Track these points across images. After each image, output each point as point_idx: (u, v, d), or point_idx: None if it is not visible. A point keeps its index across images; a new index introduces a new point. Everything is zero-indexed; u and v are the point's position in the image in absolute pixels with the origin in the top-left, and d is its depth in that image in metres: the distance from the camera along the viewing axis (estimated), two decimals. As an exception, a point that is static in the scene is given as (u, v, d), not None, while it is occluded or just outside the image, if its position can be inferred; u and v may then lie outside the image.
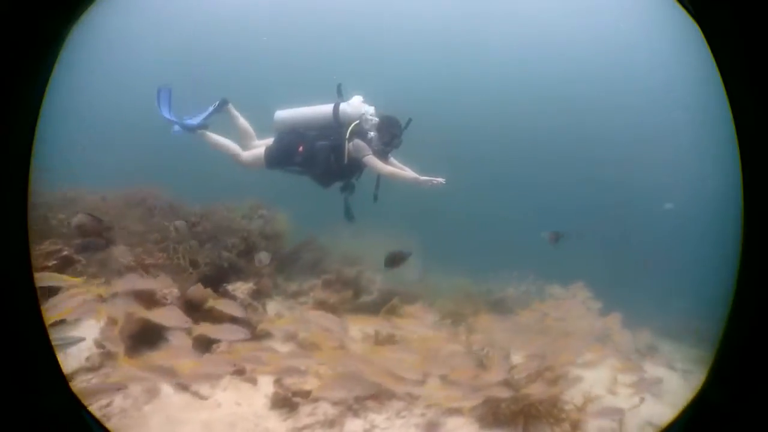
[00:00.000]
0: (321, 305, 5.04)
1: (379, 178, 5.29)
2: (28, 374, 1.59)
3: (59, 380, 1.74)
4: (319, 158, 5.25)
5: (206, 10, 15.25)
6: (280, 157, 5.38)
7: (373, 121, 5.27)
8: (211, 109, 5.61)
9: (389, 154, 5.38)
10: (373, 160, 5.12)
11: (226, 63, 13.87)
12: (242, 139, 5.67)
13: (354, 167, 5.31)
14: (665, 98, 15.74)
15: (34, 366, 1.62)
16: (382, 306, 5.30)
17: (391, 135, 5.23)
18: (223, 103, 5.67)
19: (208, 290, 4.36)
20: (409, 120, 5.26)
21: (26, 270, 1.63)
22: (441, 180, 4.87)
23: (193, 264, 4.84)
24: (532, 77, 17.73)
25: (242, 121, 5.72)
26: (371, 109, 5.38)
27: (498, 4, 17.79)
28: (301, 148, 5.28)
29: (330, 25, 16.29)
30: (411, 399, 3.72)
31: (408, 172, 5.22)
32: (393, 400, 3.70)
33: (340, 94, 5.44)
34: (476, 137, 16.38)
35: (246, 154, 5.52)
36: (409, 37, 18.00)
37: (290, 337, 4.51)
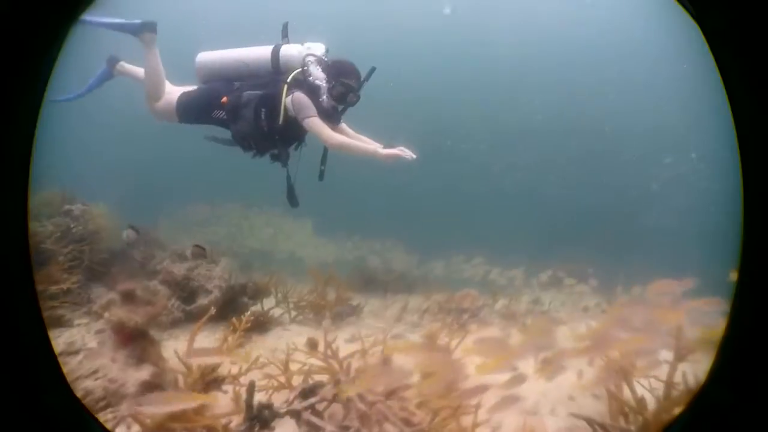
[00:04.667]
0: (120, 328, 3.07)
1: (327, 149, 4.00)
2: (28, 374, 1.59)
3: (59, 380, 1.74)
4: (246, 113, 3.90)
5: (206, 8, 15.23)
6: (195, 110, 4.10)
7: (317, 60, 3.93)
8: (92, 81, 4.40)
9: (341, 117, 4.08)
10: (316, 124, 3.78)
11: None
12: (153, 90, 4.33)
13: (292, 131, 3.97)
14: (664, 97, 15.76)
15: (34, 366, 1.62)
16: (224, 309, 3.95)
17: (343, 87, 3.89)
18: (112, 62, 4.34)
19: None
20: (372, 69, 3.92)
21: (26, 269, 1.63)
22: (411, 154, 3.71)
23: None
24: (529, 76, 17.75)
25: (143, 71, 4.32)
26: (319, 47, 4.07)
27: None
28: (224, 99, 3.98)
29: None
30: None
31: (364, 143, 3.96)
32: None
33: (286, 36, 4.13)
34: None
35: (161, 102, 4.22)
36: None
37: None
